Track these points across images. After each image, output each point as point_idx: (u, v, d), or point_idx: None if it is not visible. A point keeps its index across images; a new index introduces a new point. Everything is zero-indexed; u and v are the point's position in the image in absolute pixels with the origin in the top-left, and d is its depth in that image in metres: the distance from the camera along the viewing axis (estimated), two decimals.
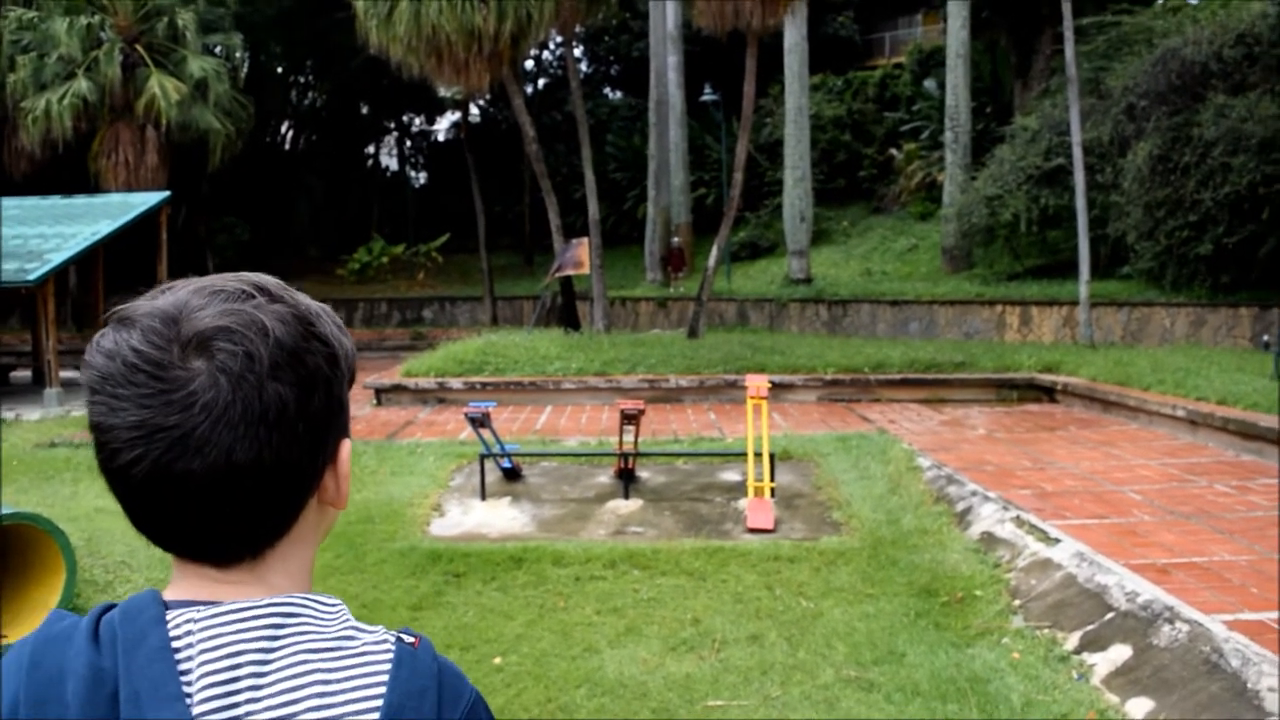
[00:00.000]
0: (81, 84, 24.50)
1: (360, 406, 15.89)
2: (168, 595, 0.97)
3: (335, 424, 1.01)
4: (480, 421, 9.90)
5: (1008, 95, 28.21)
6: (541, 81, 43.38)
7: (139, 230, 19.90)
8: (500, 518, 9.44)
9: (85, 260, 18.81)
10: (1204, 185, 16.73)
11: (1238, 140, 16.25)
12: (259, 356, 0.93)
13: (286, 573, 0.99)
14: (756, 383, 9.95)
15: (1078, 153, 17.69)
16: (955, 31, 25.30)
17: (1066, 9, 17.67)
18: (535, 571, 7.77)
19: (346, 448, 1.01)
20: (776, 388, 14.19)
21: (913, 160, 29.76)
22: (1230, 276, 16.88)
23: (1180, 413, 11.63)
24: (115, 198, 21.35)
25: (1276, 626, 5.44)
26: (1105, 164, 19.89)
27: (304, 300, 1.01)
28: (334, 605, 0.98)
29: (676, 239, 30.12)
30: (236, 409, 0.92)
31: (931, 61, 31.40)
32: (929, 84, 31.00)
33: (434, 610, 6.99)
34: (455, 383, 15.88)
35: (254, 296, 0.97)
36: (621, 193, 36.05)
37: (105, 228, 18.25)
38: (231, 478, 0.93)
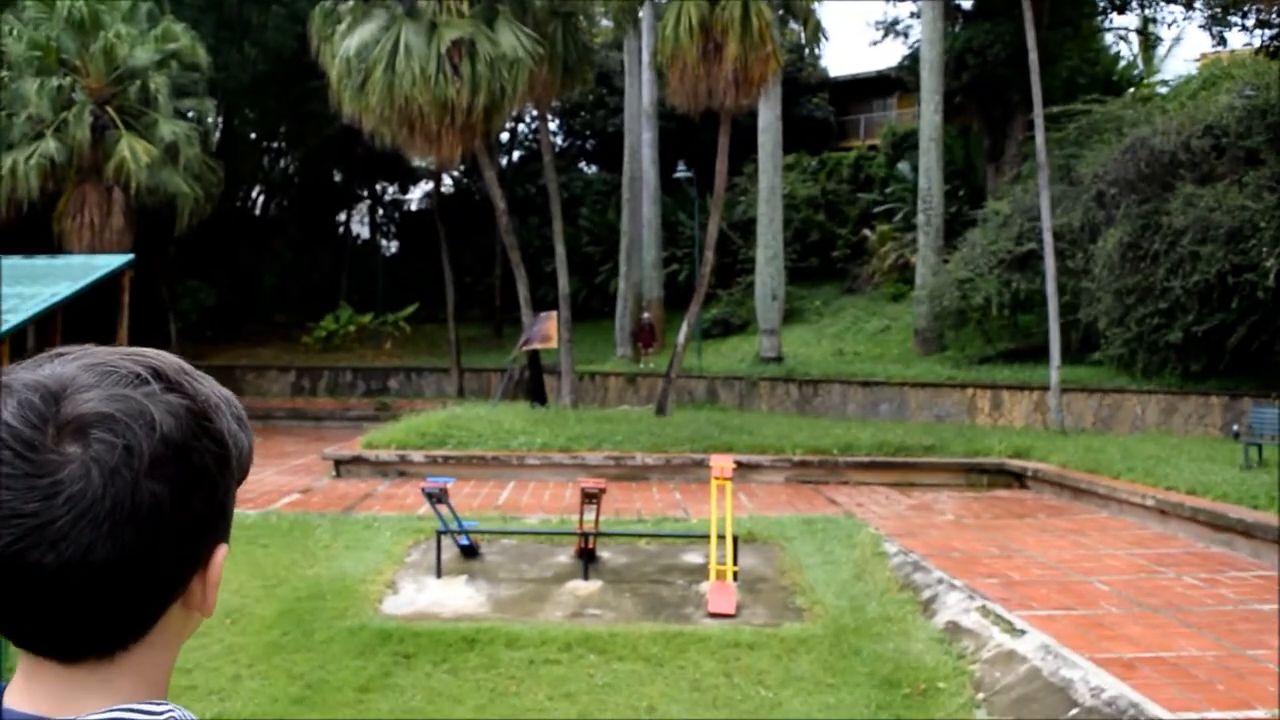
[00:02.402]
0: (50, 144, 24.48)
1: (318, 478, 15.81)
2: (8, 692, 0.90)
3: (213, 529, 0.95)
4: (438, 498, 9.79)
5: (980, 179, 28.72)
6: (516, 154, 43.79)
7: (101, 292, 19.79)
8: (455, 596, 9.29)
9: (43, 321, 18.62)
10: (1173, 273, 16.95)
11: (1206, 229, 16.52)
12: (139, 451, 0.87)
13: (139, 676, 0.93)
14: (721, 463, 9.94)
15: (1048, 238, 17.96)
16: (928, 115, 25.76)
17: (1036, 96, 18.08)
18: (488, 654, 7.63)
19: (221, 554, 0.95)
20: (744, 468, 14.28)
21: (886, 241, 30.14)
22: (1200, 364, 17.04)
23: (1150, 502, 11.66)
24: (78, 259, 21.26)
25: None
26: (1076, 249, 20.15)
27: (205, 390, 0.96)
28: (159, 714, 0.92)
29: (647, 314, 30.28)
30: (104, 505, 0.86)
31: (905, 144, 31.92)
32: (902, 166, 31.49)
33: (380, 693, 6.83)
34: (417, 455, 15.83)
35: (148, 383, 0.91)
36: (593, 267, 36.24)
37: (65, 289, 18.13)
38: (86, 577, 0.87)
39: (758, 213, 27.64)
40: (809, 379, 24.05)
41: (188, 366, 0.97)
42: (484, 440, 16.28)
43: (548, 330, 21.31)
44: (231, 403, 1.00)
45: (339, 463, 16.03)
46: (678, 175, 29.50)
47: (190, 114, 28.44)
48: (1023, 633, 7.22)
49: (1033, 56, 18.22)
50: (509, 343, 30.69)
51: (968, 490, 14.86)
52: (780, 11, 20.62)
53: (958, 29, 27.55)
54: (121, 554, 0.87)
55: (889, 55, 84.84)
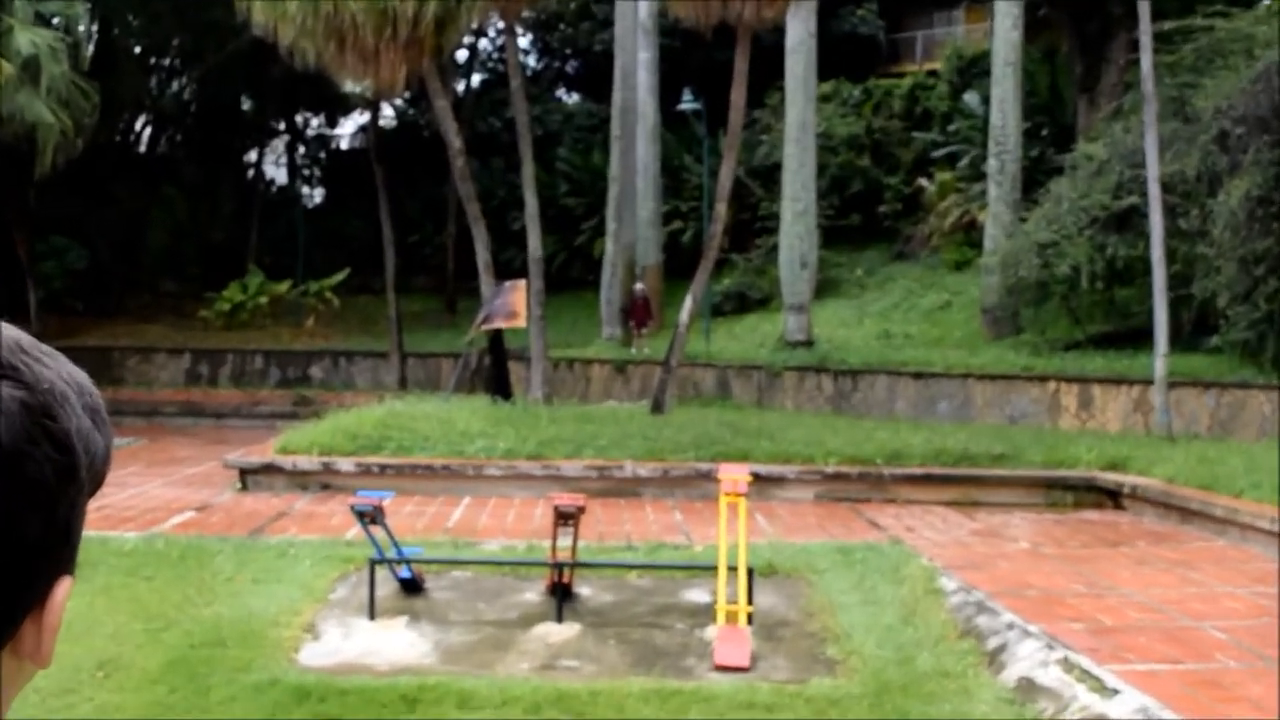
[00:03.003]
0: None
1: (219, 492, 15.71)
2: None
3: (52, 558, 0.92)
4: (371, 517, 9.74)
5: (1069, 115, 28.52)
6: (477, 78, 43.75)
7: None
8: (393, 644, 9.27)
9: None
10: None
11: None
12: None
13: None
14: (733, 475, 9.87)
15: (1154, 190, 17.75)
16: (1004, 33, 25.58)
17: (1144, 9, 17.80)
18: (434, 716, 7.61)
19: (63, 590, 0.92)
20: (762, 481, 14.11)
21: (947, 193, 29.91)
22: None
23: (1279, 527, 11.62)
24: None
25: None
26: (1190, 205, 20.01)
27: (48, 375, 0.92)
28: None
29: (641, 285, 30.18)
30: None
31: (974, 70, 31.76)
32: (970, 98, 31.33)
33: None
34: (346, 464, 15.76)
35: None
36: (574, 224, 36.20)
37: None
38: None
39: (784, 156, 27.33)
40: (847, 369, 24.02)
41: (29, 342, 0.93)
42: (432, 445, 16.12)
43: (514, 304, 21.00)
44: (85, 390, 0.96)
45: (245, 472, 15.95)
46: (682, 107, 29.50)
47: (55, 20, 28.19)
48: (1116, 692, 7.21)
49: None
50: (464, 321, 30.43)
51: (1047, 511, 14.78)
52: None
53: None
54: None
55: None
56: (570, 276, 34.97)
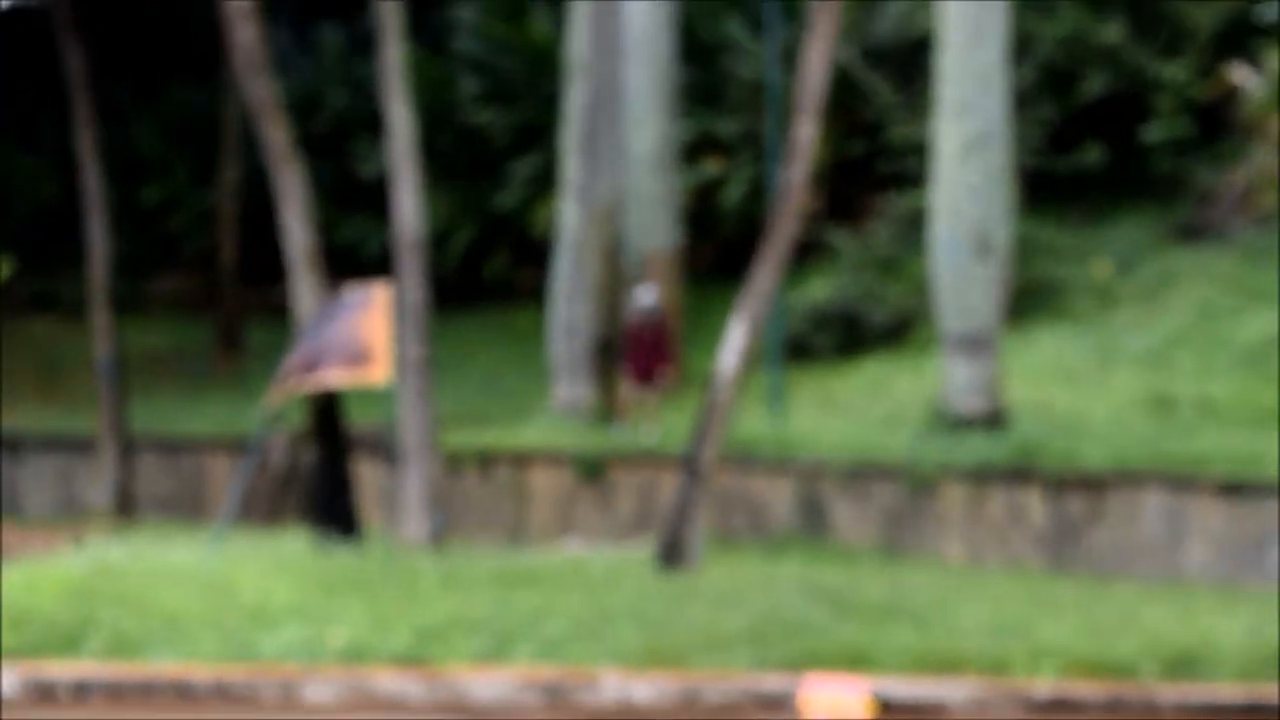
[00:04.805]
0: None
1: None
2: None
3: None
4: None
5: None
6: None
7: None
8: None
9: None
10: None
11: None
12: None
13: None
14: (836, 700, 9.10)
15: None
16: None
17: None
18: None
19: None
20: (895, 713, 10.52)
21: None
22: None
23: None
24: None
25: None
26: None
27: None
28: None
29: (651, 295, 22.24)
30: None
31: None
32: None
33: None
34: (6, 680, 11.59)
35: None
36: (491, 167, 27.21)
37: None
38: None
39: (940, 19, 20.53)
40: (1078, 477, 18.31)
41: None
42: (192, 636, 12.07)
43: (363, 337, 15.62)
44: None
45: None
46: None
47: None
48: None
49: None
50: (259, 373, 23.45)
51: None
52: None
53: None
54: None
55: None
56: (486, 278, 27.46)
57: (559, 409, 23.29)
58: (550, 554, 17.43)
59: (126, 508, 23.41)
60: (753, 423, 20.10)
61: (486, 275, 27.84)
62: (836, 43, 15.26)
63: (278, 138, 15.45)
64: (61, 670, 11.50)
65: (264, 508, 20.87)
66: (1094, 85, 25.27)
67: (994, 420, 19.87)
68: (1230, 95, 24.77)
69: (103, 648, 11.62)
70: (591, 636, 11.81)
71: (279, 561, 14.07)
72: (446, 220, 25.18)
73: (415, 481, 15.81)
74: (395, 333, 15.29)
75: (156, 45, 31.65)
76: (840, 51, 18.51)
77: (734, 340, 14.44)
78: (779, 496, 20.49)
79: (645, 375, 21.94)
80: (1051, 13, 25.11)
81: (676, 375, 22.81)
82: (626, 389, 22.35)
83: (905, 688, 10.86)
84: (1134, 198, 24.87)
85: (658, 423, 21.92)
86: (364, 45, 21.88)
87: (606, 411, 23.11)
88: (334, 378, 15.20)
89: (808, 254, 22.59)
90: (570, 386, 23.31)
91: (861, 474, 19.78)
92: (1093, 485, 18.46)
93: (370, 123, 21.53)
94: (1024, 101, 23.00)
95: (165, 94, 31.14)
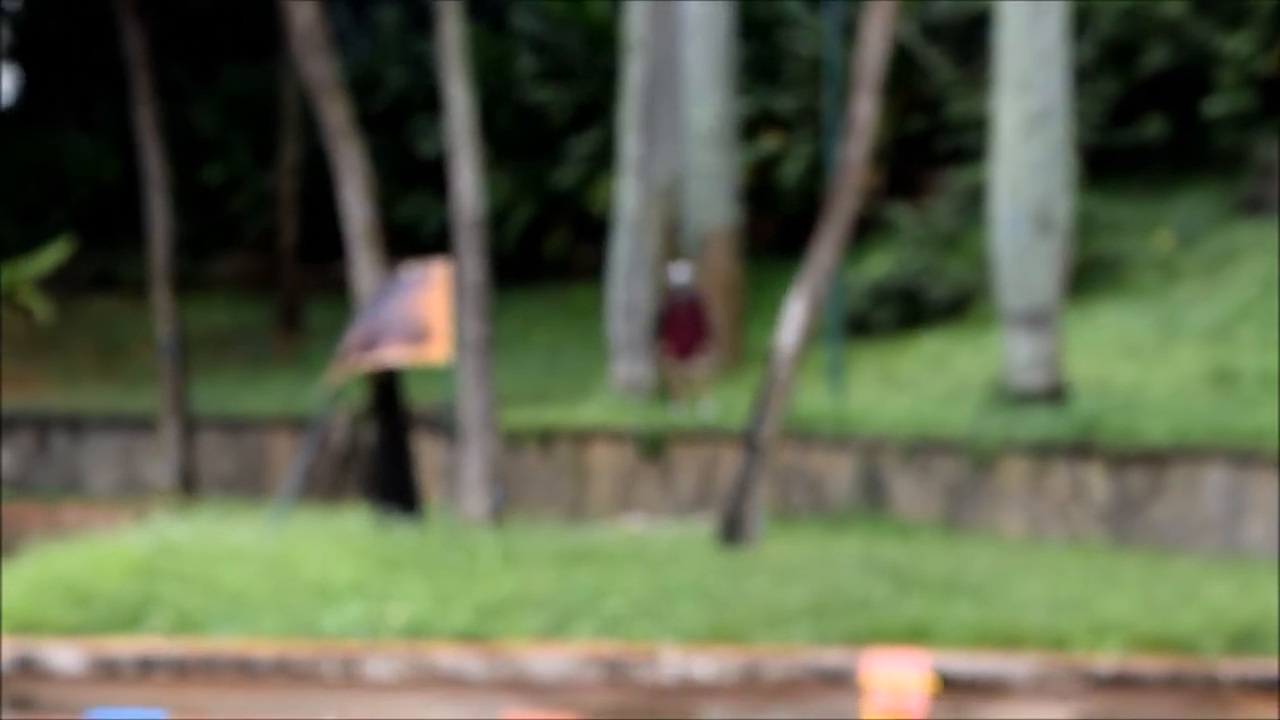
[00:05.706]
0: None
1: None
2: None
3: None
4: None
5: None
6: None
7: None
8: None
9: None
10: None
11: None
12: None
13: None
14: (896, 677, 7.95)
15: None
16: None
17: None
18: None
19: None
20: (959, 690, 10.79)
21: None
22: None
23: None
24: None
25: None
26: None
27: None
28: None
29: (684, 273, 22.31)
30: None
31: None
32: None
33: None
34: (66, 655, 12.13)
35: None
36: (549, 145, 27.51)
37: None
38: None
39: (999, 3, 20.39)
40: (1139, 452, 18.00)
41: None
42: (251, 612, 12.61)
43: (423, 315, 15.55)
44: None
45: None
46: None
47: None
48: None
49: None
50: (319, 347, 23.98)
51: None
52: None
53: None
54: None
55: None
56: (545, 256, 27.80)
57: (618, 387, 23.52)
58: (610, 531, 17.61)
59: (188, 486, 23.69)
60: (813, 399, 20.22)
61: (545, 253, 28.09)
62: (895, 18, 15.57)
63: (337, 116, 15.73)
64: (125, 647, 11.94)
65: (325, 486, 20.98)
66: (1155, 59, 25.25)
67: (1055, 395, 19.90)
68: None
69: (166, 625, 12.10)
70: (652, 613, 12.14)
71: (340, 539, 14.33)
72: (505, 198, 25.41)
73: (475, 459, 16.05)
74: (455, 311, 15.45)
75: (216, 25, 31.78)
76: (899, 27, 18.66)
77: (793, 317, 14.87)
78: (839, 472, 20.50)
79: (683, 352, 22.12)
80: None
81: (718, 351, 22.94)
82: (666, 366, 22.64)
83: (966, 663, 11.21)
84: (1195, 172, 25.01)
85: (709, 399, 22.07)
86: (423, 23, 21.72)
87: (661, 387, 23.24)
88: (394, 355, 15.47)
89: (867, 230, 22.76)
90: (629, 365, 23.49)
91: (922, 449, 19.80)
92: (1154, 460, 18.44)
93: (429, 101, 21.62)
94: (1084, 76, 22.92)
95: (224, 74, 31.33)
